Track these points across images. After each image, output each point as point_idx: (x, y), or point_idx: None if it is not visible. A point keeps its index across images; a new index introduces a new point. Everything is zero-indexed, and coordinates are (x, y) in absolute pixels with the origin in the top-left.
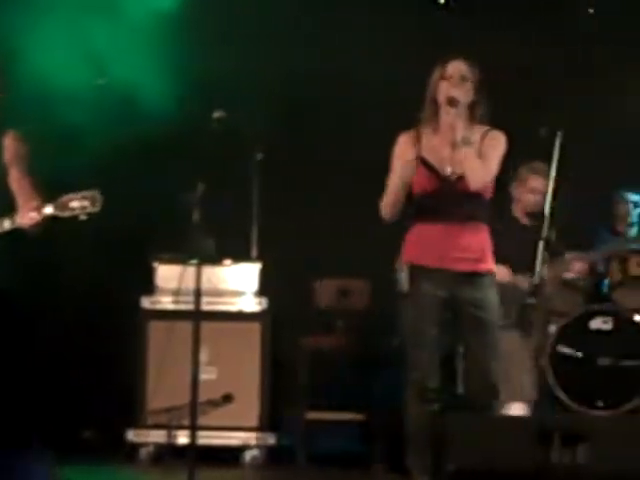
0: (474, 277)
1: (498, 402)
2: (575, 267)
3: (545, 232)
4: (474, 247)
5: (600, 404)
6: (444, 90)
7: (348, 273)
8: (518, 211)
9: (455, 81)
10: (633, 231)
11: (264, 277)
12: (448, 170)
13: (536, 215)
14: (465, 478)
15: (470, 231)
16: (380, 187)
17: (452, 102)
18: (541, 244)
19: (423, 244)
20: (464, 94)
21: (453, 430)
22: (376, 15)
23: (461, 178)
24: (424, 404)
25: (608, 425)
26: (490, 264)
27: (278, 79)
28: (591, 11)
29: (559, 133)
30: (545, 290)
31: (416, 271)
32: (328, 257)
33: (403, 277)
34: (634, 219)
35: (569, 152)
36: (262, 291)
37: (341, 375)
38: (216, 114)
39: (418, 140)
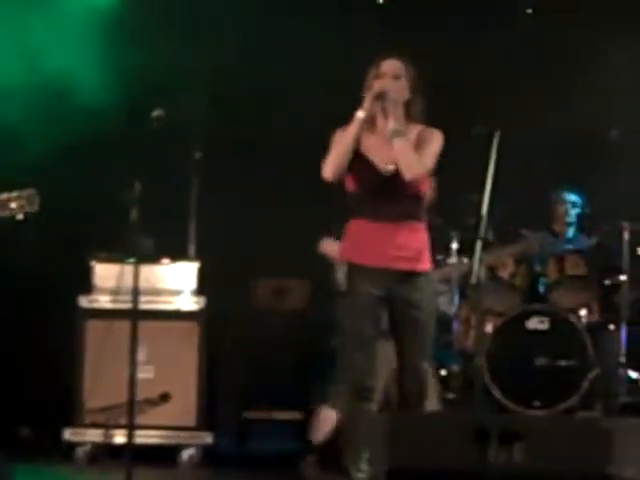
0: (411, 276)
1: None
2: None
3: (482, 232)
4: (411, 246)
5: (537, 404)
6: (377, 87)
7: (286, 273)
8: None
9: (388, 79)
10: (571, 231)
11: (202, 276)
12: (386, 168)
13: None
14: (401, 477)
15: (407, 230)
16: (319, 186)
17: (379, 96)
18: (478, 244)
19: (360, 242)
20: (398, 91)
21: (389, 429)
22: (314, 14)
23: (398, 176)
24: (360, 403)
25: (544, 425)
26: (427, 263)
27: (217, 77)
28: (529, 11)
29: (496, 133)
30: (481, 290)
31: (353, 269)
32: (266, 257)
33: (340, 275)
34: (572, 219)
35: (506, 152)
36: (200, 290)
37: (278, 374)
38: (155, 113)
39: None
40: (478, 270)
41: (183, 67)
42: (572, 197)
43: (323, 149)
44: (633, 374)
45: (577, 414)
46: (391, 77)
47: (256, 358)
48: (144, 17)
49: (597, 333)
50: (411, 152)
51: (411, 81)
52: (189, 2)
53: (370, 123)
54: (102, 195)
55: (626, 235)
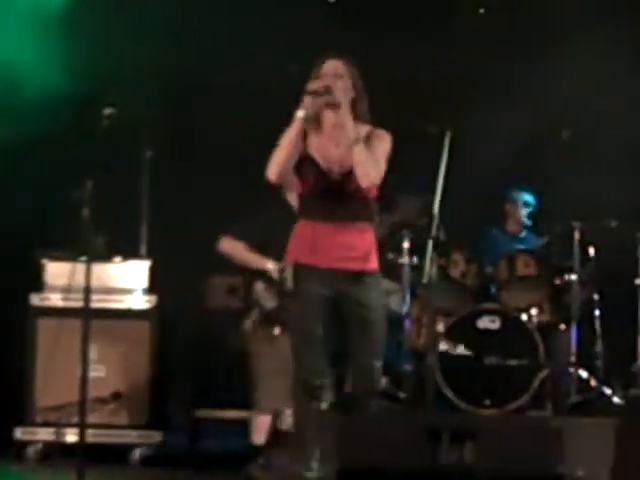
0: (359, 276)
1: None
2: None
3: (434, 231)
4: (359, 246)
5: (487, 403)
6: (312, 86)
7: (239, 271)
8: None
9: (328, 79)
10: (524, 231)
11: (153, 275)
12: (333, 170)
13: None
14: (352, 476)
15: (355, 231)
16: (269, 185)
17: (316, 93)
18: (430, 243)
19: (307, 243)
20: (341, 90)
21: (340, 428)
22: (265, 12)
23: (346, 177)
24: (310, 402)
25: (495, 424)
26: (375, 263)
27: (168, 76)
28: (482, 11)
29: (448, 132)
30: (432, 289)
31: (301, 270)
32: (219, 255)
33: (288, 276)
34: (525, 219)
35: (459, 151)
36: (151, 289)
37: (229, 373)
38: (106, 111)
39: (304, 138)
40: (429, 269)
41: (133, 65)
42: (526, 197)
43: (272, 148)
44: (583, 373)
45: (528, 413)
46: (331, 76)
47: (207, 357)
48: (94, 13)
49: (548, 333)
50: (371, 160)
51: (354, 80)
52: (139, 1)
53: (316, 123)
54: (54, 193)
55: (577, 235)
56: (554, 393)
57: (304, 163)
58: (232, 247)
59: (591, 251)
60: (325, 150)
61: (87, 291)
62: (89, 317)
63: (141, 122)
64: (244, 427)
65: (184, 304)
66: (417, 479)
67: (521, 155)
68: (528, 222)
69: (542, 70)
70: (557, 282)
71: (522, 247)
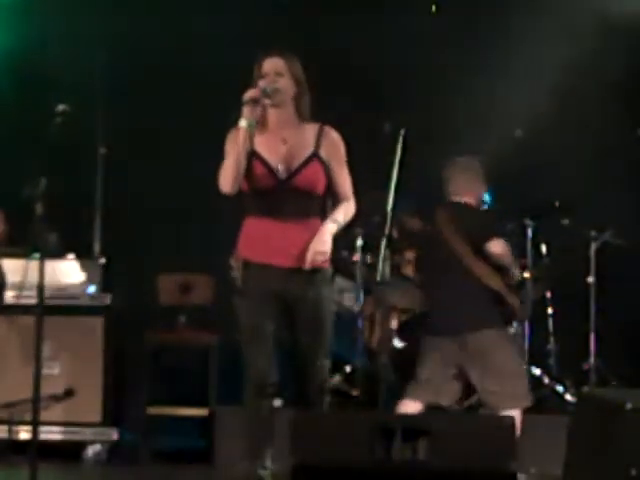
0: (308, 273)
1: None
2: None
3: (387, 229)
4: (306, 243)
5: None
6: (248, 94)
7: (191, 268)
8: None
9: (270, 78)
10: None
11: (107, 272)
12: (280, 167)
13: None
14: (306, 474)
15: (304, 227)
16: None
17: (254, 101)
18: (383, 241)
19: (256, 240)
20: (283, 88)
21: (293, 425)
22: (216, 9)
23: (293, 175)
24: (262, 400)
25: (448, 421)
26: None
27: (121, 72)
28: (434, 9)
29: (402, 131)
30: (386, 286)
31: (249, 267)
32: (171, 252)
33: (237, 274)
34: None
35: (413, 150)
36: (105, 286)
37: (184, 371)
38: (60, 107)
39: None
40: (383, 267)
41: (90, 63)
42: (484, 196)
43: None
44: (536, 371)
45: (480, 411)
46: (273, 75)
47: (161, 354)
48: (48, 11)
49: None
50: (345, 217)
51: (295, 77)
52: None
53: (261, 123)
54: (7, 190)
55: (530, 233)
56: None
57: (251, 161)
58: None
59: (543, 249)
60: (271, 148)
61: (40, 288)
62: (42, 314)
63: (96, 118)
64: (198, 424)
65: (138, 301)
66: (370, 476)
67: (474, 153)
68: None
69: (495, 68)
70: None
71: None
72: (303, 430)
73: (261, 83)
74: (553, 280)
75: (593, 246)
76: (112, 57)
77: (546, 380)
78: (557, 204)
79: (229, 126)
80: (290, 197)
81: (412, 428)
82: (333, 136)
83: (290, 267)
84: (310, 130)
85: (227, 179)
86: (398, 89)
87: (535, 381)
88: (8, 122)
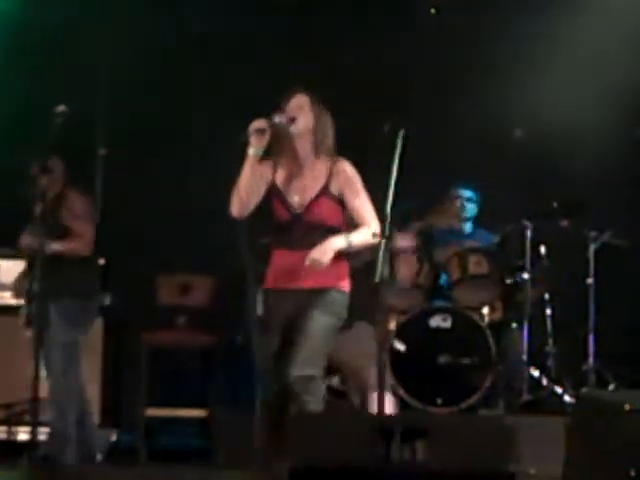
0: (313, 291)
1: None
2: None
3: (387, 230)
4: (320, 270)
5: (439, 401)
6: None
7: (191, 269)
8: None
9: (290, 111)
10: (468, 226)
11: (107, 272)
12: (295, 201)
13: None
14: (305, 475)
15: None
16: (223, 184)
17: (261, 131)
18: (383, 242)
19: (274, 270)
20: (301, 118)
21: (292, 427)
22: (217, 15)
23: (307, 209)
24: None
25: (447, 422)
26: (331, 282)
27: (119, 74)
28: (433, 11)
29: (401, 132)
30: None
31: (268, 295)
32: (171, 253)
33: (260, 301)
34: (468, 214)
35: (411, 151)
36: (105, 287)
37: (183, 372)
38: (59, 108)
39: (274, 168)
40: (382, 268)
41: (89, 65)
42: (467, 193)
43: (224, 146)
44: (535, 372)
45: (480, 412)
46: (295, 108)
47: (160, 355)
48: (46, 15)
49: (499, 331)
50: (360, 238)
51: (315, 112)
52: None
53: (284, 156)
54: (5, 189)
55: (528, 234)
56: (506, 392)
57: (272, 194)
58: None
59: (542, 250)
60: (288, 182)
61: (41, 289)
62: (43, 317)
63: (95, 119)
64: (197, 425)
65: (137, 302)
66: (369, 477)
67: (474, 154)
68: (470, 216)
69: (495, 68)
70: (509, 281)
71: (470, 242)
72: (301, 431)
73: (276, 117)
74: (552, 281)
75: (592, 247)
76: (113, 58)
77: (545, 381)
78: (556, 205)
79: (229, 127)
80: (306, 230)
81: (411, 429)
82: (345, 169)
83: (302, 288)
84: (324, 164)
85: (235, 204)
86: (397, 89)
87: (534, 382)
88: (8, 121)
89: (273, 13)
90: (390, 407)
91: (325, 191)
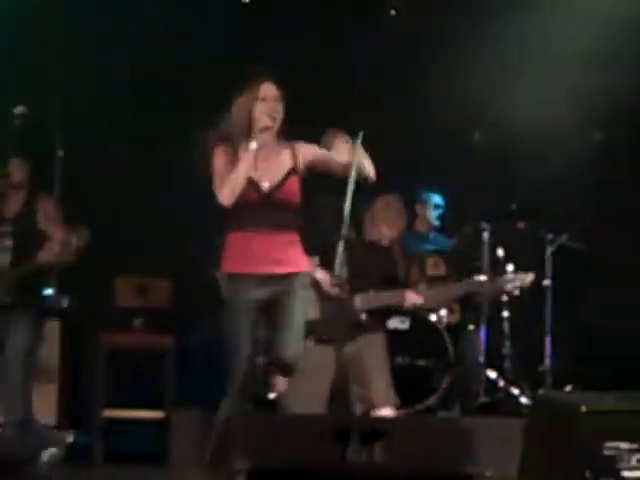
0: (284, 277)
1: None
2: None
3: (344, 232)
4: (289, 252)
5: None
6: (261, 110)
7: (148, 271)
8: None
9: (271, 103)
10: (433, 232)
11: (64, 275)
12: (265, 184)
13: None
14: (262, 476)
15: (283, 238)
16: (180, 185)
17: (269, 128)
18: (340, 244)
19: (242, 253)
20: (280, 116)
21: (251, 428)
22: (184, 13)
23: (275, 189)
24: (244, 401)
25: (404, 424)
26: (304, 266)
27: (81, 77)
28: (393, 13)
29: (359, 133)
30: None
31: (235, 279)
32: (129, 255)
33: (223, 286)
34: (435, 220)
35: (369, 153)
36: (62, 289)
37: (140, 373)
38: (18, 109)
39: (235, 152)
40: (340, 270)
41: (50, 66)
42: (435, 198)
43: (182, 147)
44: (492, 374)
45: (437, 413)
46: (273, 100)
47: (117, 356)
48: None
49: (457, 333)
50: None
51: (285, 103)
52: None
53: (247, 140)
54: None
55: (486, 236)
56: (463, 393)
57: None
58: None
59: (500, 252)
60: (254, 165)
61: None
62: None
63: (54, 121)
64: (154, 427)
65: (96, 303)
66: (327, 478)
67: (431, 156)
68: (437, 223)
69: (452, 72)
70: None
71: (432, 247)
72: (260, 432)
73: (275, 113)
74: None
75: (549, 249)
76: (71, 58)
77: (502, 383)
78: (513, 207)
79: (184, 128)
80: (273, 211)
81: (368, 430)
82: (302, 144)
83: (272, 273)
84: (286, 148)
85: (229, 193)
86: (354, 90)
87: (491, 384)
88: None
89: (231, 12)
90: None
91: (292, 171)
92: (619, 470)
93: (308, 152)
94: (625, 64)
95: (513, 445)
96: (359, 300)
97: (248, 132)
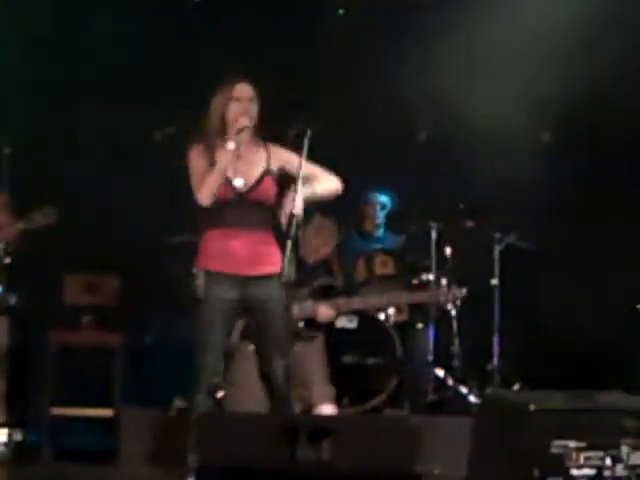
0: (263, 279)
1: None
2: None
3: (293, 232)
4: (263, 252)
5: (345, 401)
6: (235, 110)
7: (96, 268)
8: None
9: (245, 103)
10: (380, 231)
11: (12, 272)
12: (240, 182)
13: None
14: (211, 475)
15: (259, 237)
16: (130, 183)
17: (245, 129)
18: (288, 243)
19: (216, 251)
20: (254, 116)
21: (197, 427)
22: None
23: (251, 189)
24: (210, 399)
25: (353, 422)
26: (276, 266)
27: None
28: (342, 12)
29: (308, 132)
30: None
31: (210, 277)
32: (76, 252)
33: (199, 283)
34: (381, 220)
35: (316, 152)
36: (11, 286)
37: (88, 370)
38: None
39: (211, 152)
40: (288, 269)
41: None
42: (382, 198)
43: (131, 145)
44: (440, 372)
45: (385, 412)
46: (247, 101)
47: (65, 354)
48: None
49: (405, 332)
50: (329, 188)
51: (259, 103)
52: None
53: (222, 138)
54: None
55: (434, 234)
56: (411, 392)
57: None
58: None
59: (448, 251)
60: (230, 167)
61: None
62: None
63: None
64: (102, 424)
65: (42, 301)
66: (275, 477)
67: (378, 155)
68: (382, 222)
69: (398, 69)
70: (414, 281)
71: (379, 246)
72: (207, 430)
73: (249, 113)
74: (457, 282)
75: (497, 248)
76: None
77: (450, 381)
78: (461, 206)
79: (137, 125)
80: (249, 210)
81: (316, 429)
82: (279, 149)
83: (250, 275)
84: (260, 148)
85: (207, 193)
86: (302, 90)
87: (439, 382)
88: None
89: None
90: None
91: (267, 172)
92: (567, 468)
93: (280, 158)
94: (575, 64)
95: (462, 443)
96: (296, 309)
97: (223, 132)
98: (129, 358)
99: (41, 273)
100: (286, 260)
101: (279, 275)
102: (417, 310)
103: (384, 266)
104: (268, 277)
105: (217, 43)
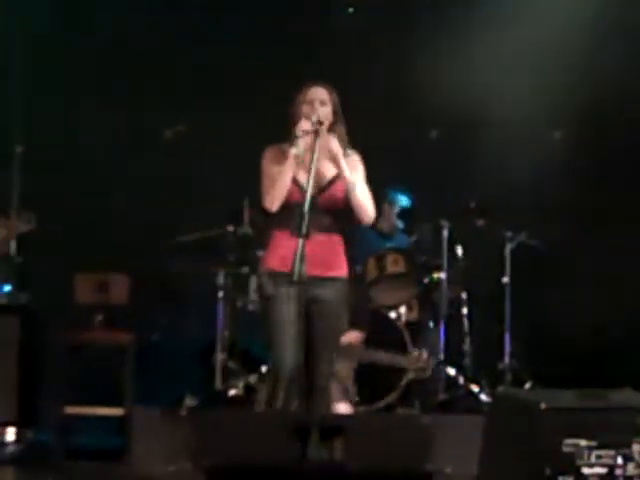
0: (327, 281)
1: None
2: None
3: (304, 230)
4: (330, 255)
5: (357, 400)
6: (303, 113)
7: (108, 268)
8: None
9: (315, 107)
10: (397, 231)
11: (24, 271)
12: (311, 185)
13: None
14: (221, 474)
15: (326, 242)
16: (141, 184)
17: (310, 133)
18: (300, 241)
19: (283, 252)
20: (324, 117)
21: (210, 425)
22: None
23: (320, 192)
24: (292, 397)
25: (364, 421)
26: (343, 270)
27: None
28: (351, 10)
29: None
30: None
31: (276, 276)
32: (88, 251)
33: (265, 282)
34: (398, 222)
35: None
36: (22, 285)
37: (100, 370)
38: None
39: (283, 157)
40: (299, 267)
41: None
42: (403, 201)
43: (144, 145)
44: (451, 371)
45: (396, 411)
46: (318, 104)
47: (77, 353)
48: None
49: (416, 330)
50: (369, 199)
51: (334, 106)
52: None
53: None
54: None
55: (445, 233)
56: (422, 391)
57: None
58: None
59: (459, 250)
60: (302, 168)
61: None
62: None
63: (14, 116)
64: (114, 423)
65: (55, 300)
66: (287, 476)
67: (390, 154)
68: (400, 223)
69: (410, 69)
70: (425, 280)
71: (392, 245)
72: (219, 429)
73: (313, 117)
74: (468, 281)
75: (508, 247)
76: (31, 55)
77: (461, 380)
78: (472, 205)
79: (146, 125)
80: (318, 213)
81: (328, 428)
82: (355, 158)
83: (314, 275)
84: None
85: (275, 200)
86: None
87: (450, 381)
88: None
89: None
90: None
91: (338, 177)
92: (578, 467)
93: (349, 165)
94: (586, 64)
95: (473, 442)
96: None
97: (294, 135)
98: (140, 357)
99: (52, 272)
100: (297, 258)
101: (344, 279)
102: (428, 308)
103: (395, 264)
104: (332, 279)
105: (218, 43)
